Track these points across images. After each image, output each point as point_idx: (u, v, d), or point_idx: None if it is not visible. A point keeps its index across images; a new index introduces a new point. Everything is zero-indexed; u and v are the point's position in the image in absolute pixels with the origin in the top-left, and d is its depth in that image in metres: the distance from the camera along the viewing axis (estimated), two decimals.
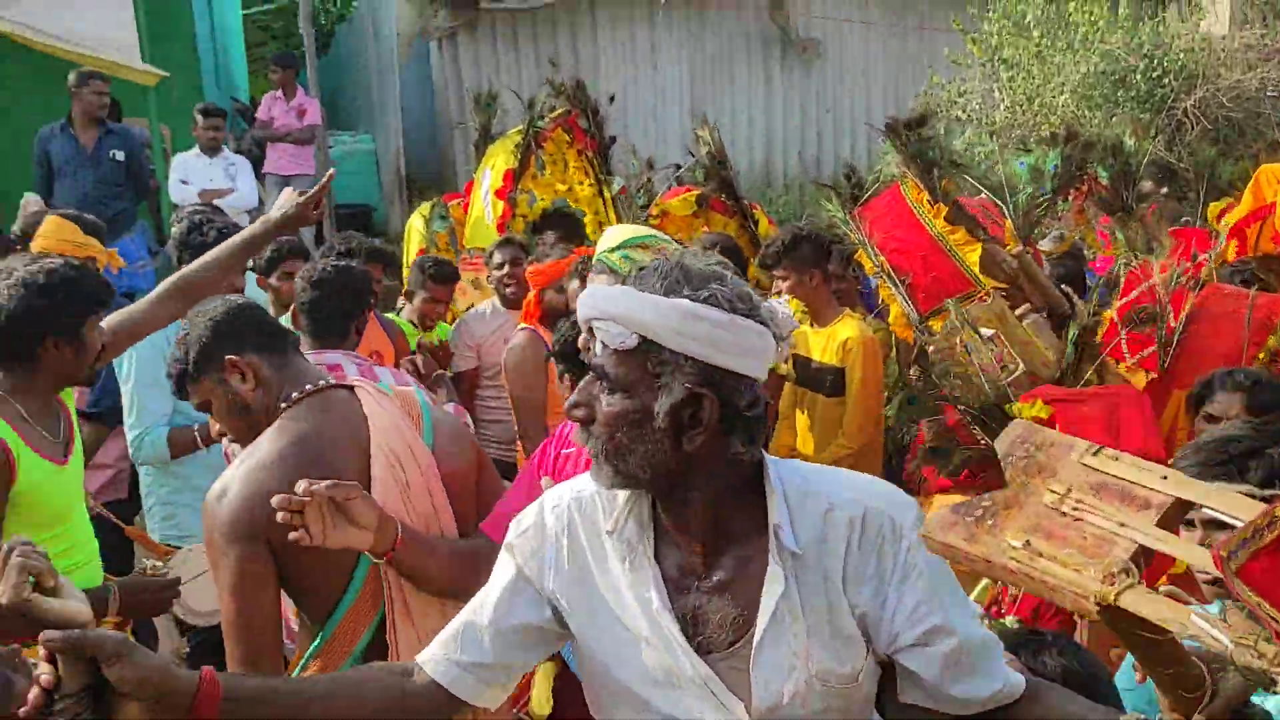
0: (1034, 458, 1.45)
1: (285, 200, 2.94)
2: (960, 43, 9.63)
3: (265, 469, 2.14)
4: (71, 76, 7.19)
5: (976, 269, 3.22)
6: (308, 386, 2.26)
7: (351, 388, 2.34)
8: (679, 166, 5.46)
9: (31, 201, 6.20)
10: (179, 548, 3.18)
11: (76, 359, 2.69)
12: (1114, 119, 8.18)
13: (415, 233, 5.81)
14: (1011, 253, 3.42)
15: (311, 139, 9.56)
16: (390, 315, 4.91)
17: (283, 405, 2.25)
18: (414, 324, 4.93)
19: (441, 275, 4.91)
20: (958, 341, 3.11)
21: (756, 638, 1.56)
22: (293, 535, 1.93)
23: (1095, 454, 1.42)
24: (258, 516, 2.08)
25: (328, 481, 1.96)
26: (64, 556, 2.69)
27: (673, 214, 4.85)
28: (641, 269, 1.56)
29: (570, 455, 2.30)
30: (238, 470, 2.17)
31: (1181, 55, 8.29)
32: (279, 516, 1.92)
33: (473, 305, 5.12)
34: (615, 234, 2.14)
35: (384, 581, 2.23)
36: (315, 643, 2.24)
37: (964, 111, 9.24)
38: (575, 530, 1.67)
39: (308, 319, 3.45)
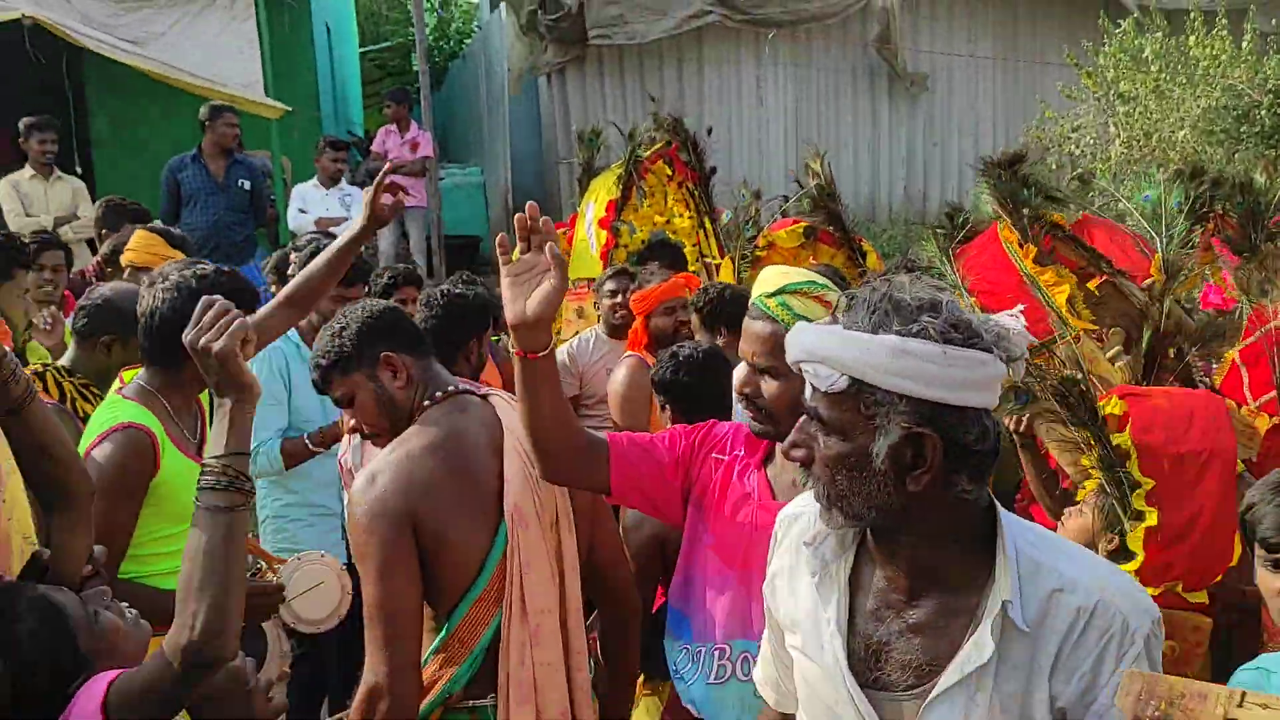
0: (1169, 717, 1.30)
1: (362, 202, 3.04)
2: (1074, 77, 9.45)
3: (415, 460, 2.25)
4: (204, 110, 7.53)
5: (1065, 311, 3.13)
6: (449, 388, 2.40)
7: (485, 395, 2.48)
8: (787, 198, 5.45)
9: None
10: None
11: None
12: (1236, 155, 7.91)
13: None
14: (1143, 285, 3.32)
15: (424, 171, 9.83)
16: (495, 338, 4.99)
17: (426, 404, 2.37)
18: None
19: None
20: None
21: (935, 691, 1.48)
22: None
23: (1240, 704, 1.27)
24: (406, 503, 2.20)
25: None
26: None
27: (780, 245, 4.84)
28: (851, 302, 1.48)
29: (719, 461, 2.28)
30: (388, 458, 2.28)
31: None
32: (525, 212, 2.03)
33: (578, 333, 5.17)
34: (772, 278, 2.14)
35: (507, 581, 2.32)
36: (440, 635, 2.32)
37: (1077, 147, 9.05)
38: (790, 542, 1.69)
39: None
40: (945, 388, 1.41)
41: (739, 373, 2.11)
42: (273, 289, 4.03)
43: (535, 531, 2.37)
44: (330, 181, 8.33)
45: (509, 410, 2.42)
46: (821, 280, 2.12)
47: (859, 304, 1.47)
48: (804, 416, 1.53)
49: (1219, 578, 2.55)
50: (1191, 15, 8.78)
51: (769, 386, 2.06)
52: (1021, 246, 3.20)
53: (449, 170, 11.53)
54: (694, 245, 5.62)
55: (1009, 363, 1.46)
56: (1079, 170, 8.38)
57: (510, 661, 2.31)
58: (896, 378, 1.41)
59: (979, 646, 1.45)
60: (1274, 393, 3.43)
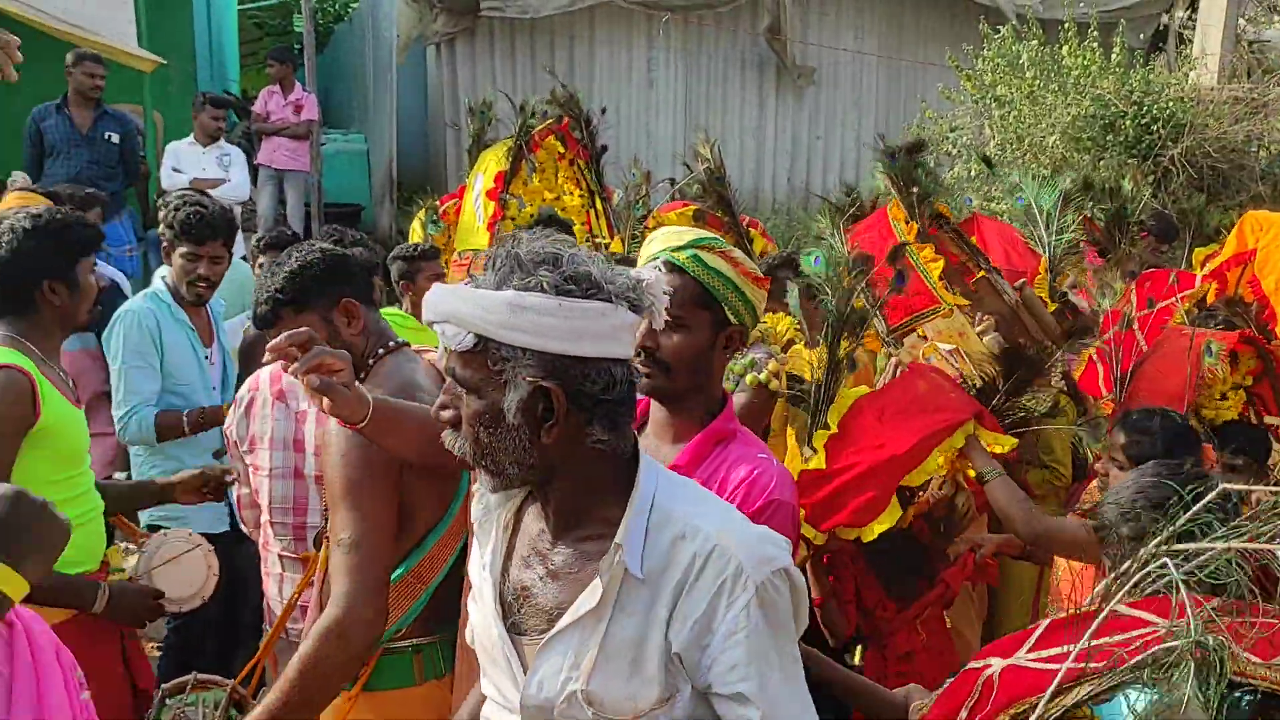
0: None
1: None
2: (954, 79, 9.76)
3: (404, 394, 2.23)
4: (69, 56, 7.16)
5: (938, 284, 3.28)
6: (392, 342, 2.41)
7: (421, 353, 2.50)
8: (674, 181, 5.49)
9: (19, 179, 6.17)
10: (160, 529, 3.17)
11: (73, 302, 2.75)
12: (1101, 163, 8.31)
13: (415, 237, 5.83)
14: (1014, 285, 3.47)
15: (308, 134, 9.54)
16: (388, 310, 4.92)
17: (380, 352, 2.38)
18: (411, 315, 4.93)
19: (429, 253, 4.93)
20: (919, 355, 3.18)
21: (549, 634, 1.53)
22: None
23: None
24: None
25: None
26: (79, 502, 2.75)
27: (669, 227, 4.88)
28: (488, 263, 1.52)
29: None
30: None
31: (1170, 104, 8.43)
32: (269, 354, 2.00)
33: None
34: (673, 234, 2.14)
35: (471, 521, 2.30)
36: (398, 573, 2.27)
37: (954, 146, 9.36)
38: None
39: None
40: (563, 339, 1.44)
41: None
42: (163, 245, 3.87)
43: None
44: (208, 140, 8.02)
45: (438, 364, 2.45)
46: (722, 240, 2.15)
47: (488, 263, 1.50)
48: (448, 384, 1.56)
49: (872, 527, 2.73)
50: (1065, 26, 9.18)
51: (672, 340, 2.08)
52: (906, 224, 3.31)
53: (331, 136, 11.22)
54: (583, 224, 5.62)
55: (638, 311, 1.49)
56: (954, 174, 8.69)
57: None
58: (516, 332, 1.44)
59: (592, 591, 1.49)
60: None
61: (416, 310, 4.95)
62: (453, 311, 1.48)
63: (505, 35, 10.70)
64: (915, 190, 3.38)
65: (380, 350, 2.39)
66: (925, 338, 3.25)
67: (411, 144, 10.97)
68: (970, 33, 10.20)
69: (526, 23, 10.58)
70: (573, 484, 1.54)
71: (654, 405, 2.23)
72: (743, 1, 10.90)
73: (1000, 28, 9.50)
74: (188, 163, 7.96)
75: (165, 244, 3.84)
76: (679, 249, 2.10)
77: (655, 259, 2.11)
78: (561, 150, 5.58)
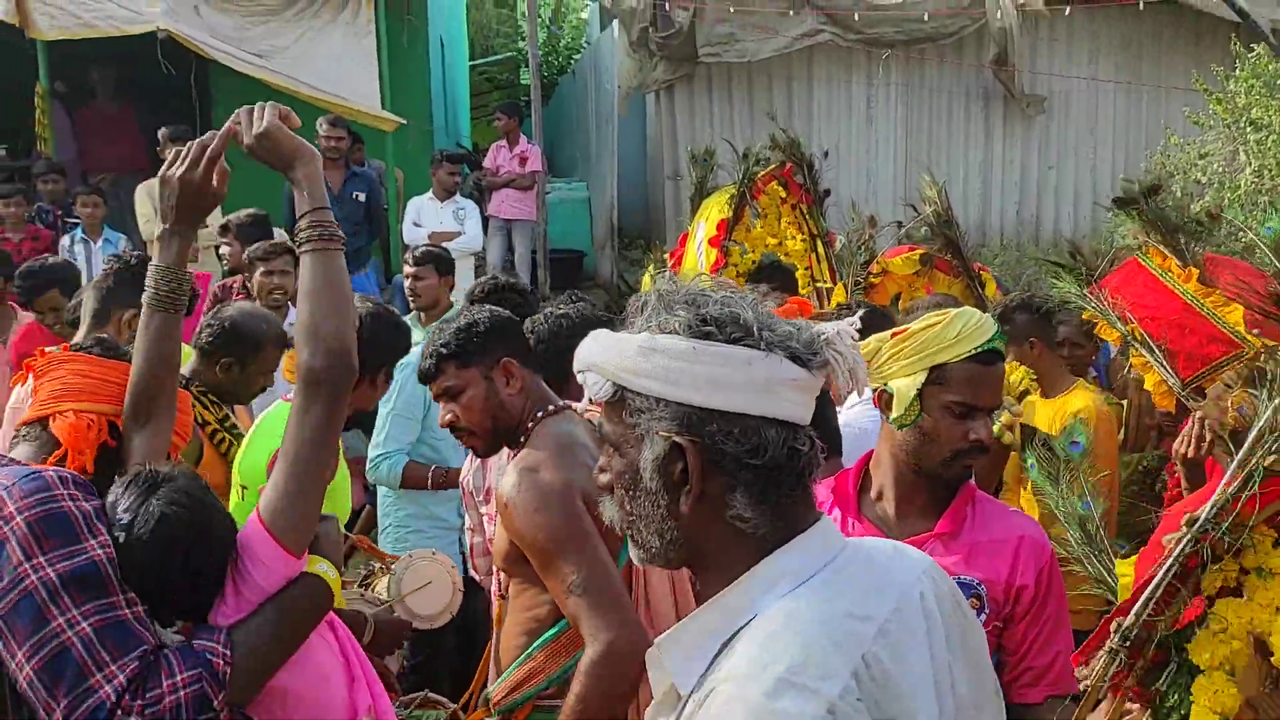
0: None
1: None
2: (1200, 102, 9.11)
3: (570, 449, 2.32)
4: (318, 122, 7.75)
5: (1242, 328, 3.02)
6: (553, 405, 2.48)
7: (581, 412, 2.59)
8: (901, 224, 5.36)
9: (278, 236, 6.70)
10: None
11: (375, 396, 3.23)
12: None
13: (646, 286, 5.94)
14: None
15: (532, 185, 9.94)
16: None
17: (540, 415, 2.43)
18: None
19: None
20: (1229, 404, 2.92)
21: None
22: None
23: None
24: (574, 481, 2.24)
25: None
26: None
27: (894, 273, 4.76)
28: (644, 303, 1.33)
29: None
30: (536, 456, 2.31)
31: None
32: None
33: None
34: (980, 328, 2.14)
35: (634, 579, 2.35)
36: (556, 628, 2.33)
37: (1204, 175, 8.72)
38: None
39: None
40: (696, 388, 1.22)
41: (978, 426, 2.07)
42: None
43: None
44: (445, 194, 8.47)
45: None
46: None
47: (643, 303, 1.32)
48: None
49: None
50: None
51: (986, 426, 2.10)
52: (1182, 269, 3.10)
53: (555, 185, 11.64)
54: (805, 269, 5.56)
55: (809, 368, 1.25)
56: (1206, 204, 8.09)
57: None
58: (647, 379, 1.25)
59: None
60: None
61: None
62: (592, 359, 1.32)
63: (723, 80, 10.81)
64: (1179, 234, 3.16)
65: (540, 413, 2.43)
66: (1229, 385, 3.00)
67: (631, 191, 11.24)
68: (1218, 52, 9.52)
69: (744, 66, 10.65)
70: (715, 576, 1.26)
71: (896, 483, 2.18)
72: (967, 33, 10.58)
73: (1254, 46, 8.80)
74: (427, 217, 8.44)
75: None
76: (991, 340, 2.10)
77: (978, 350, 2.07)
78: (784, 195, 5.56)
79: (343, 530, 3.38)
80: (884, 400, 2.13)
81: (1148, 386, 3.19)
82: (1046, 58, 11.07)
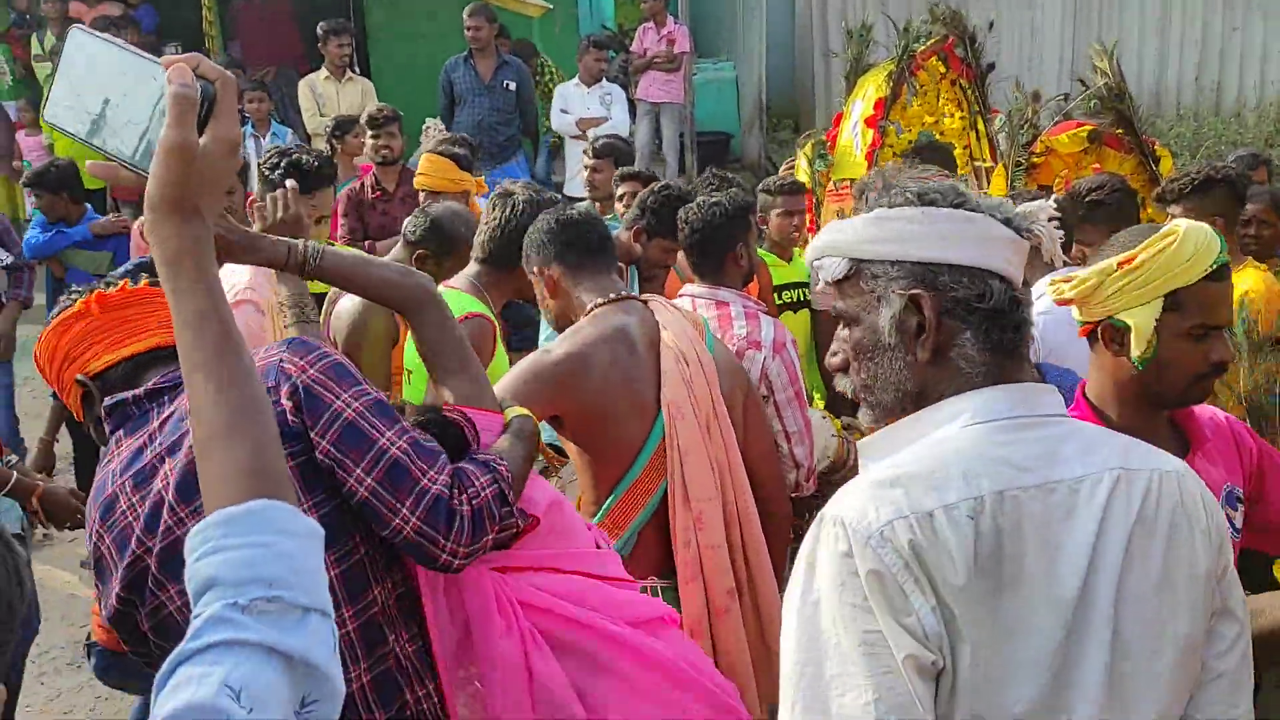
0: None
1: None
2: None
3: (589, 344, 2.58)
4: (464, 11, 7.80)
5: None
6: (611, 295, 2.69)
7: (646, 301, 2.78)
8: (1067, 97, 5.09)
9: (433, 126, 6.85)
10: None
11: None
12: None
13: (800, 173, 5.85)
14: None
15: (679, 66, 9.79)
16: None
17: (593, 306, 2.67)
18: (776, 250, 4.99)
19: (787, 188, 4.97)
20: None
21: None
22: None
23: None
24: (573, 374, 2.54)
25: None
26: None
27: (1060, 151, 4.54)
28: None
29: None
30: (564, 341, 2.61)
31: None
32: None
33: None
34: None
35: (669, 468, 2.57)
36: (596, 517, 2.58)
37: None
38: None
39: (692, 258, 3.51)
40: (930, 245, 1.41)
41: (1219, 346, 1.96)
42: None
43: (691, 423, 2.60)
44: (593, 80, 8.45)
45: (668, 315, 2.73)
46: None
47: (864, 195, 1.52)
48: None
49: None
50: None
51: (1225, 344, 1.97)
52: None
53: (701, 66, 11.43)
54: (964, 148, 5.37)
55: (1018, 231, 1.44)
56: None
57: (677, 543, 2.57)
58: (882, 244, 1.43)
59: None
60: None
61: (773, 245, 4.99)
62: (826, 243, 1.50)
63: None
64: None
65: (591, 306, 2.68)
66: None
67: (779, 71, 10.95)
68: None
69: None
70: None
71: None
72: None
73: None
74: (574, 103, 8.44)
75: None
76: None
77: None
78: (944, 70, 5.34)
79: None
80: (1111, 334, 1.98)
81: None
82: None
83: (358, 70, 8.90)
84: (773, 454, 2.94)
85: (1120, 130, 4.55)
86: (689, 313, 2.89)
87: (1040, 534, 1.32)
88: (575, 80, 8.55)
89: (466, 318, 2.86)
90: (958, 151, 5.30)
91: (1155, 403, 2.00)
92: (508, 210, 3.15)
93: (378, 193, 5.95)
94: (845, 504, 1.35)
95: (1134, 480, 1.38)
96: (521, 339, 4.67)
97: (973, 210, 1.42)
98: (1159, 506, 1.38)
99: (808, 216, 5.69)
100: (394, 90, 9.14)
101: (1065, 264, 3.14)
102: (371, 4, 10.41)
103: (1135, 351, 1.93)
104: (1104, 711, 1.33)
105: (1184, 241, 1.89)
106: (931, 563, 1.29)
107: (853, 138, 5.52)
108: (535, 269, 2.79)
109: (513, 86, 7.71)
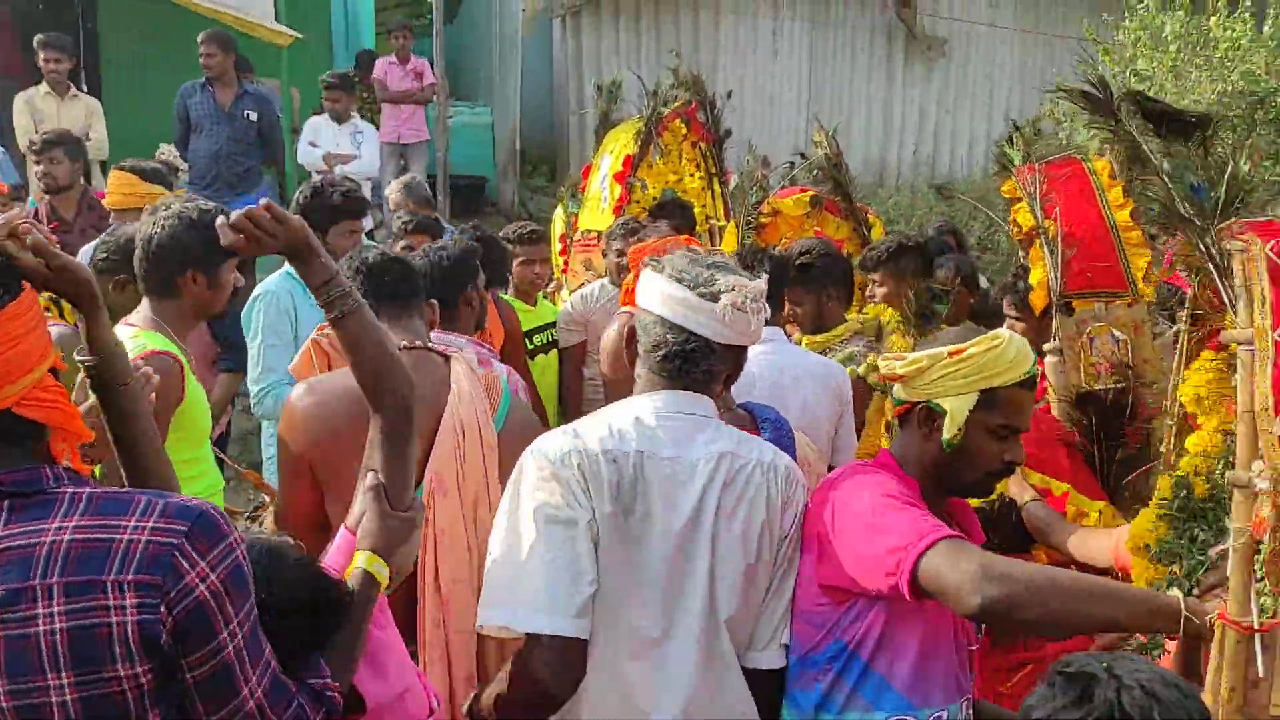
0: None
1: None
2: (1092, 52, 9.38)
3: (334, 395, 2.40)
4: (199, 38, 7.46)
5: (1140, 275, 3.15)
6: (403, 344, 2.40)
7: (449, 357, 2.57)
8: (793, 165, 5.46)
9: (167, 151, 6.51)
10: None
11: (213, 294, 2.91)
12: (1249, 143, 7.90)
13: (558, 219, 5.94)
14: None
15: (431, 99, 9.69)
16: (503, 295, 5.05)
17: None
18: (521, 297, 5.04)
19: (525, 237, 5.02)
20: (1086, 334, 3.08)
21: None
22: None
23: None
24: (313, 429, 2.40)
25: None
26: (205, 478, 2.96)
27: (785, 213, 4.85)
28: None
29: None
30: (320, 382, 2.46)
31: None
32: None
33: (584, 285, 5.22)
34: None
35: (422, 547, 2.36)
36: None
37: (1078, 122, 9.02)
38: None
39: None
40: (682, 315, 2.06)
41: (1013, 447, 2.12)
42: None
43: (454, 502, 2.43)
44: (340, 117, 8.28)
45: (463, 379, 2.53)
46: None
47: (670, 257, 2.12)
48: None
49: None
50: None
51: (1019, 446, 2.14)
52: (1124, 196, 3.17)
53: (458, 108, 11.44)
54: (701, 206, 5.64)
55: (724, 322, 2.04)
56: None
57: (426, 621, 2.39)
58: (648, 296, 2.10)
59: None
60: None
61: (518, 292, 5.05)
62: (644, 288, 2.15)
63: (630, 7, 10.72)
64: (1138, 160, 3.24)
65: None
66: (1096, 319, 3.13)
67: (536, 118, 11.12)
68: (1110, 3, 9.78)
69: None
70: None
71: None
72: None
73: None
74: (324, 138, 8.25)
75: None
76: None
77: None
78: (685, 132, 5.61)
79: (223, 456, 3.39)
80: (926, 416, 2.11)
81: (1032, 279, 3.27)
82: (948, 1, 11.24)
83: (85, 89, 8.32)
84: None
85: (838, 198, 4.91)
86: (490, 377, 2.68)
87: (664, 489, 1.98)
88: (326, 115, 8.35)
89: (148, 355, 2.59)
90: (697, 209, 5.57)
91: (947, 486, 2.14)
92: (150, 228, 2.86)
93: (54, 223, 5.45)
94: (543, 442, 2.02)
95: (735, 461, 2.03)
96: (233, 361, 4.43)
97: (707, 297, 2.03)
98: (749, 481, 2.02)
99: (562, 260, 5.81)
100: (128, 114, 8.61)
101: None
102: (105, 22, 9.79)
103: (946, 435, 2.07)
104: (704, 616, 1.98)
105: (1008, 346, 2.07)
106: (593, 484, 1.95)
107: (601, 190, 5.69)
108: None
109: (254, 116, 7.42)
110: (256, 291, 3.96)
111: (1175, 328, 3.40)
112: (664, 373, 2.05)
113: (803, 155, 5.31)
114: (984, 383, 2.06)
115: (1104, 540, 2.67)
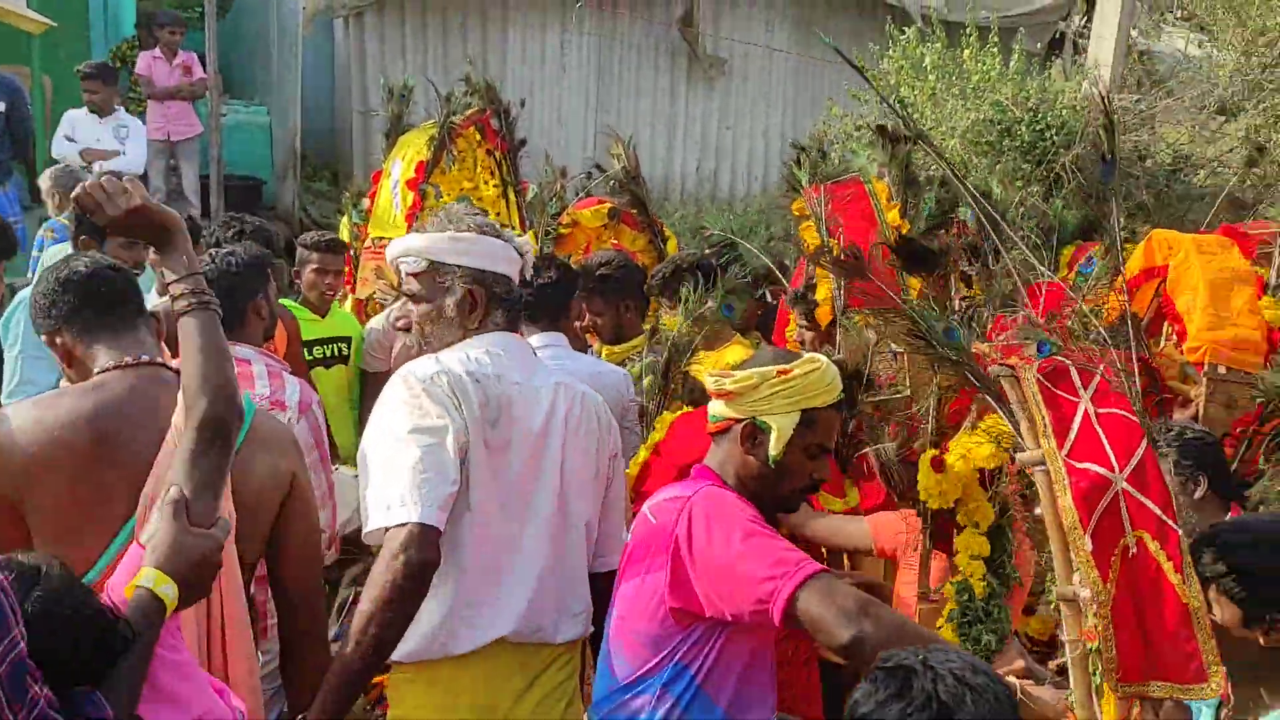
0: None
1: None
2: (858, 80, 9.94)
3: (47, 428, 2.12)
4: None
5: (915, 294, 3.37)
6: (126, 360, 2.23)
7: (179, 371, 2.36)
8: (590, 175, 5.51)
9: None
10: None
11: None
12: (998, 167, 8.59)
13: (344, 227, 5.75)
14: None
15: (201, 95, 9.19)
16: (285, 301, 4.86)
17: (100, 370, 2.23)
18: (309, 306, 4.87)
19: (326, 245, 4.87)
20: (869, 345, 3.27)
21: None
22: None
23: None
24: (16, 458, 2.09)
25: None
26: None
27: (584, 225, 4.91)
28: (424, 223, 2.50)
29: None
30: (20, 409, 2.19)
31: (1064, 112, 8.74)
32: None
33: (375, 294, 5.09)
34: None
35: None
36: None
37: (859, 146, 9.55)
38: None
39: None
40: (482, 259, 2.40)
41: (822, 465, 2.26)
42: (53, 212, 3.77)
43: None
44: (102, 111, 7.73)
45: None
46: None
47: (432, 221, 2.46)
48: (403, 301, 2.49)
49: None
50: (967, 30, 9.44)
51: (827, 465, 2.33)
52: (901, 220, 3.36)
53: (232, 106, 10.90)
54: (497, 215, 5.62)
55: (520, 254, 2.48)
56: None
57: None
58: (453, 254, 2.39)
59: None
60: None
61: (306, 301, 4.88)
62: (411, 247, 2.44)
63: (417, 12, 10.54)
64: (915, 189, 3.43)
65: (98, 370, 2.25)
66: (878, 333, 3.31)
67: (317, 118, 10.74)
68: (878, 33, 10.41)
69: (438, 1, 10.44)
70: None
71: None
72: None
73: (906, 29, 9.71)
74: (83, 133, 7.68)
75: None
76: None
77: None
78: (480, 140, 5.57)
79: None
80: (750, 433, 2.19)
81: (819, 295, 3.43)
82: (729, 22, 11.65)
83: None
84: (314, 563, 2.56)
85: (635, 210, 5.01)
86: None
87: (519, 407, 2.34)
88: (85, 109, 7.78)
89: None
90: (491, 218, 5.52)
91: (763, 501, 2.21)
92: None
93: None
94: (406, 367, 2.33)
95: (570, 389, 2.46)
96: None
97: (500, 238, 2.46)
98: (584, 405, 2.45)
99: (346, 271, 5.63)
100: None
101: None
102: None
103: (773, 451, 2.15)
104: (556, 517, 2.37)
105: (826, 369, 2.20)
106: (463, 399, 2.25)
107: (393, 198, 5.57)
108: (44, 337, 2.35)
109: (1, 106, 6.82)
110: (17, 298, 3.67)
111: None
112: (508, 320, 2.43)
113: (599, 167, 5.38)
114: (805, 403, 2.17)
115: (859, 525, 2.95)
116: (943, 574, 2.65)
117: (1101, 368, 2.14)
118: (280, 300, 4.93)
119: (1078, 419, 2.06)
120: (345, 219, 5.75)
